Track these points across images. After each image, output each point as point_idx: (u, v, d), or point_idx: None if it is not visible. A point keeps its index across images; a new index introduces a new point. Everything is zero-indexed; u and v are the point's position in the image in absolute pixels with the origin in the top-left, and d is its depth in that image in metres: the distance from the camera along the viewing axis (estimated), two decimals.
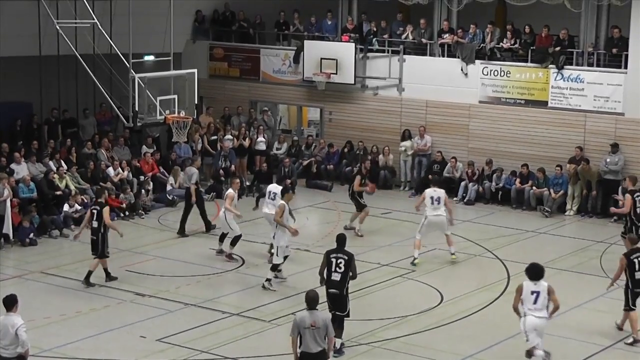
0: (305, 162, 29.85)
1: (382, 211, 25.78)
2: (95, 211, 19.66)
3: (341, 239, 16.00)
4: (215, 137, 29.52)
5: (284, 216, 19.34)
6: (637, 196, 21.32)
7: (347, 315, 15.89)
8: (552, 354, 15.83)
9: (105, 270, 19.70)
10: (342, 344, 15.99)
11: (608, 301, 19.08)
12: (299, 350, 13.15)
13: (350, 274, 15.66)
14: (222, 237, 21.73)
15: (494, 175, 27.58)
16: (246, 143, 29.52)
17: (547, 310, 14.79)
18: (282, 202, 19.51)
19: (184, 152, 28.43)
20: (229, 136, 29.46)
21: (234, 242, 21.36)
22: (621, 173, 25.76)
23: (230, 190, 21.66)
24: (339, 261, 15.66)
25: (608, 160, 26.01)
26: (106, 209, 19.60)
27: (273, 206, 20.53)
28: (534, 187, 26.79)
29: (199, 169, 24.92)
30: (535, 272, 14.82)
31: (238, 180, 22.40)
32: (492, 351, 16.41)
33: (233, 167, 28.64)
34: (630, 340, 16.89)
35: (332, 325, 13.84)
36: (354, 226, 23.59)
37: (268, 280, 19.33)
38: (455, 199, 27.64)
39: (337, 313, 15.68)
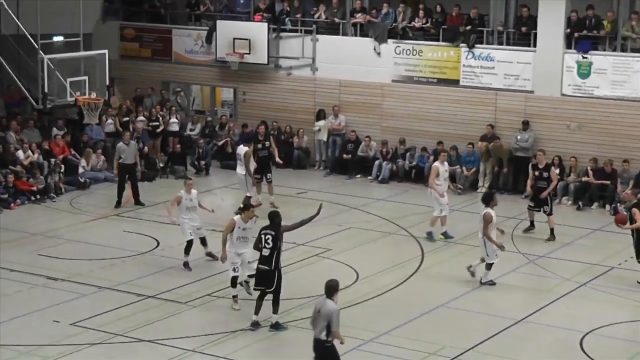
0: (219, 143, 29.72)
1: (297, 191, 25.82)
2: None
3: (270, 216, 16.27)
4: (127, 119, 29.16)
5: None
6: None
7: (277, 292, 16.06)
8: (464, 330, 16.11)
9: None
10: (277, 322, 16.21)
11: (519, 276, 19.47)
12: None
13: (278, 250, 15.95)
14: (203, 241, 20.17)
15: (408, 154, 27.83)
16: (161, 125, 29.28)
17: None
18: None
19: (96, 134, 28.04)
20: (141, 117, 29.14)
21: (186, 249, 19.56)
22: (531, 150, 26.24)
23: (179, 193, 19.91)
24: (267, 237, 15.92)
25: (519, 137, 26.45)
26: None
27: (241, 166, 23.08)
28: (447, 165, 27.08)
29: (128, 144, 24.48)
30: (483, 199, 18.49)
31: (190, 182, 20.13)
32: (408, 327, 16.59)
33: (146, 148, 28.35)
34: None
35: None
36: (272, 201, 23.65)
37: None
38: (369, 177, 27.86)
39: (266, 290, 16.00)
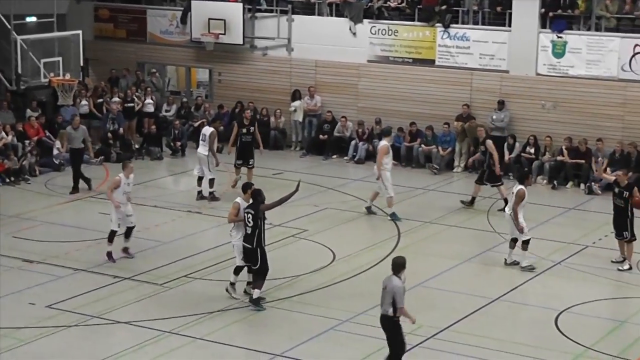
0: (195, 124, 29.57)
1: (273, 172, 25.77)
2: None
3: (253, 194, 16.46)
4: (101, 100, 28.98)
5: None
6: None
7: (262, 269, 16.23)
8: (441, 309, 16.16)
9: None
10: (257, 298, 16.31)
11: (495, 255, 19.54)
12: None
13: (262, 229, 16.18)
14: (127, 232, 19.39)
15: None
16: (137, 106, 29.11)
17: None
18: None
19: (71, 115, 27.83)
20: (116, 99, 28.96)
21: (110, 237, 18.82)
22: (507, 129, 26.30)
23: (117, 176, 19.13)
24: (248, 216, 16.18)
25: (494, 117, 26.49)
26: None
27: (204, 147, 22.80)
28: (423, 145, 27.13)
29: (76, 128, 24.23)
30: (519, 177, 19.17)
31: (131, 165, 19.42)
32: None
33: (121, 129, 28.20)
34: None
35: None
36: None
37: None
38: (345, 158, 27.85)
39: (252, 267, 16.33)
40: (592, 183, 24.50)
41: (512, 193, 18.64)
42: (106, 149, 27.39)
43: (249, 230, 16.21)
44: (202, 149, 23.03)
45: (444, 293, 17.42)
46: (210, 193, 22.95)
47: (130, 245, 19.00)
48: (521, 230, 18.37)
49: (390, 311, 13.23)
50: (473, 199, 23.03)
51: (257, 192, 16.51)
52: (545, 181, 25.59)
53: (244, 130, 23.57)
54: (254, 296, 16.35)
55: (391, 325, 13.33)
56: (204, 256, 19.02)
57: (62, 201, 23.14)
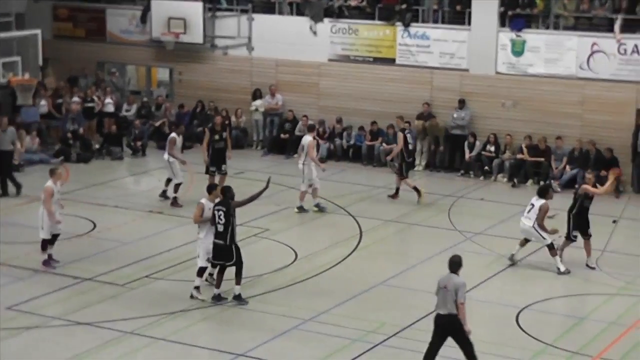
0: (156, 124, 29.45)
1: (235, 171, 25.69)
2: None
3: (222, 191, 16.67)
4: (61, 100, 28.76)
5: None
6: (408, 132, 23.23)
7: (238, 264, 16.33)
8: (403, 307, 16.20)
9: None
10: (239, 294, 16.45)
11: (456, 253, 19.58)
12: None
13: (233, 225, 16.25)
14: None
15: (345, 133, 27.87)
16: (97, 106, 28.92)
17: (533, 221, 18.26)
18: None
19: (30, 115, 27.59)
20: (76, 98, 28.75)
21: None
22: (467, 128, 26.45)
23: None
24: (219, 213, 16.24)
25: (455, 115, 26.63)
26: None
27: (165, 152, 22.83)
28: (384, 144, 27.20)
29: (4, 130, 23.84)
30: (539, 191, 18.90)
31: (60, 171, 19.04)
32: (347, 306, 16.64)
33: (81, 130, 28.00)
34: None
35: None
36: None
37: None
38: None
39: (226, 264, 16.36)
40: (552, 181, 24.70)
41: (532, 205, 18.58)
42: (66, 149, 27.19)
43: (220, 228, 16.23)
44: (165, 155, 22.95)
45: (406, 291, 17.48)
46: (174, 198, 22.73)
47: (54, 251, 18.50)
48: (547, 237, 18.41)
49: (455, 310, 13.39)
50: (397, 189, 23.60)
51: (226, 189, 16.70)
52: (505, 179, 25.76)
53: (216, 137, 22.86)
54: (236, 292, 16.46)
55: (458, 324, 13.46)
56: (166, 256, 18.94)
57: (21, 202, 22.92)
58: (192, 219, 16.96)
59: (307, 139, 22.38)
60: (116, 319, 15.79)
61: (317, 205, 22.40)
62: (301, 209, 22.19)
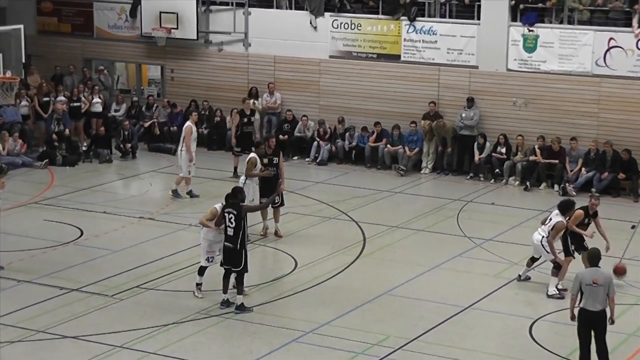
0: (146, 124, 29.45)
1: (230, 174, 25.69)
2: None
3: (233, 192, 16.83)
4: (47, 99, 28.75)
5: None
6: None
7: (244, 270, 16.56)
8: (409, 318, 16.16)
9: None
10: (242, 304, 16.57)
11: (465, 261, 19.61)
12: (576, 307, 13.99)
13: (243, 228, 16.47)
14: None
15: (347, 134, 27.86)
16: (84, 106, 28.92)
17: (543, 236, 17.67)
18: None
19: (12, 116, 27.60)
20: (61, 98, 28.74)
21: None
22: (476, 128, 26.43)
23: None
24: (230, 216, 16.49)
25: (463, 115, 26.61)
26: None
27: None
28: (389, 145, 27.19)
29: None
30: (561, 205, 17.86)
31: (3, 180, 19.60)
32: (350, 317, 16.61)
33: (67, 131, 27.98)
34: None
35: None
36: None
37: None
38: (307, 159, 27.85)
39: (233, 269, 16.54)
40: (567, 184, 24.68)
41: (550, 219, 17.90)
42: (51, 152, 27.18)
43: (230, 232, 16.49)
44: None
45: (412, 301, 17.46)
46: (174, 190, 23.64)
47: None
48: (553, 261, 17.94)
49: (606, 305, 13.73)
50: (235, 169, 25.09)
51: (237, 190, 16.94)
52: (517, 182, 25.73)
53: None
54: (238, 303, 16.58)
55: (605, 320, 13.89)
56: (157, 265, 18.93)
57: (4, 207, 22.89)
58: (199, 219, 17.43)
59: (187, 124, 23.53)
60: (105, 332, 15.76)
61: (186, 193, 23.44)
62: (175, 193, 23.45)
